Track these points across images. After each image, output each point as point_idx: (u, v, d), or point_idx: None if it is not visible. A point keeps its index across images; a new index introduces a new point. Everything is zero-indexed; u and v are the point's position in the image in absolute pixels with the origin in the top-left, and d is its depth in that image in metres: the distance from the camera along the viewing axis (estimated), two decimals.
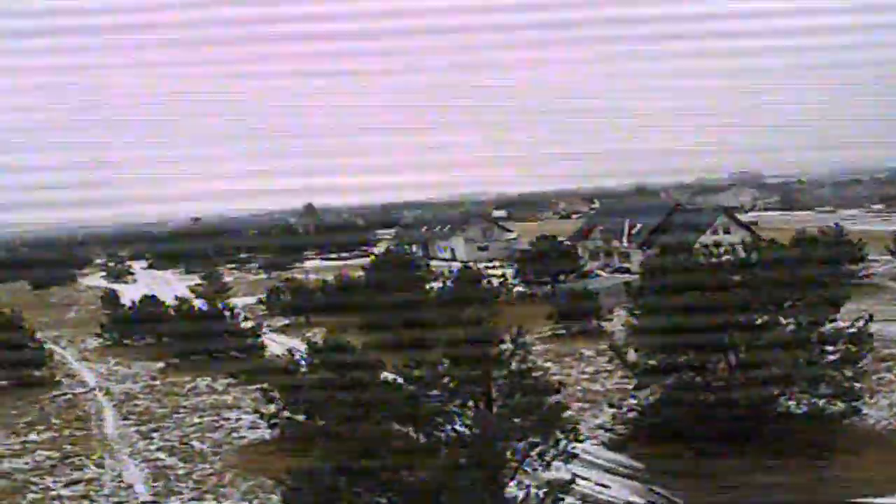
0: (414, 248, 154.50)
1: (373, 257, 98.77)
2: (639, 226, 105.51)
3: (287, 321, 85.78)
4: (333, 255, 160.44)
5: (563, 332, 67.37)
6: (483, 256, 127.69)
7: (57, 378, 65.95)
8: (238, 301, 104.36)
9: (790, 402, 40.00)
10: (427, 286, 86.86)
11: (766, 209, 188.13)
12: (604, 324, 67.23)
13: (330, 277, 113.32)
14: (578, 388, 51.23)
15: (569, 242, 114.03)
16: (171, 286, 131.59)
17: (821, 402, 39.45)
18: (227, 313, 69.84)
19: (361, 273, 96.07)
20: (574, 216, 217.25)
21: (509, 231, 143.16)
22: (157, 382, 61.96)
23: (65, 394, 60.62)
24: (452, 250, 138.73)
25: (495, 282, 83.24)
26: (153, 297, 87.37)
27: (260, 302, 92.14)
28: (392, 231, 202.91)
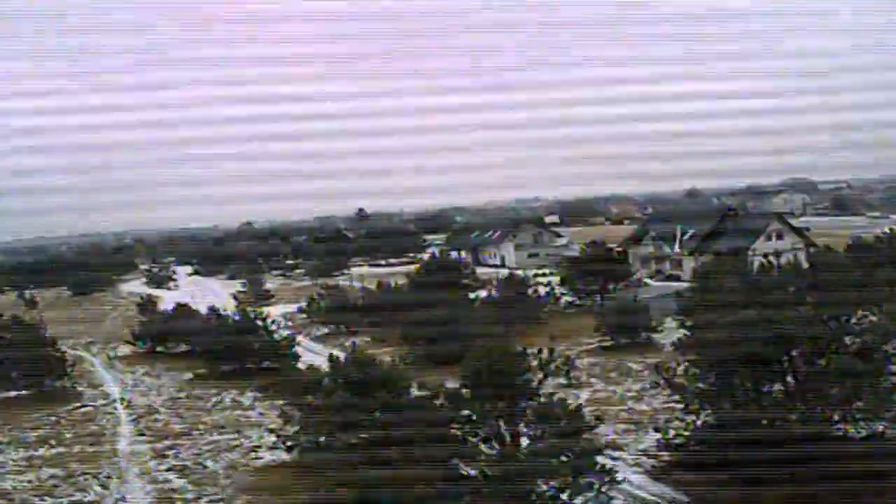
0: (463, 254, 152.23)
1: (416, 267, 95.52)
2: (691, 232, 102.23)
3: (327, 330, 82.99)
4: (382, 262, 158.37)
5: (612, 343, 63.96)
6: (533, 263, 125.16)
7: (80, 389, 63.82)
8: (280, 309, 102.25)
9: (848, 427, 36.42)
10: (472, 295, 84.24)
11: (816, 214, 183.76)
12: (654, 336, 63.94)
13: (374, 285, 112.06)
14: (624, 407, 47.81)
15: (620, 248, 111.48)
16: (214, 293, 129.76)
17: (882, 427, 35.93)
18: (259, 323, 66.85)
19: (406, 280, 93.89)
20: (626, 221, 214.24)
21: (560, 236, 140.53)
22: (182, 395, 59.32)
23: (84, 405, 58.33)
24: (502, 257, 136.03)
25: (542, 290, 79.82)
26: (186, 305, 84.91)
27: (300, 310, 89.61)
28: (442, 236, 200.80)
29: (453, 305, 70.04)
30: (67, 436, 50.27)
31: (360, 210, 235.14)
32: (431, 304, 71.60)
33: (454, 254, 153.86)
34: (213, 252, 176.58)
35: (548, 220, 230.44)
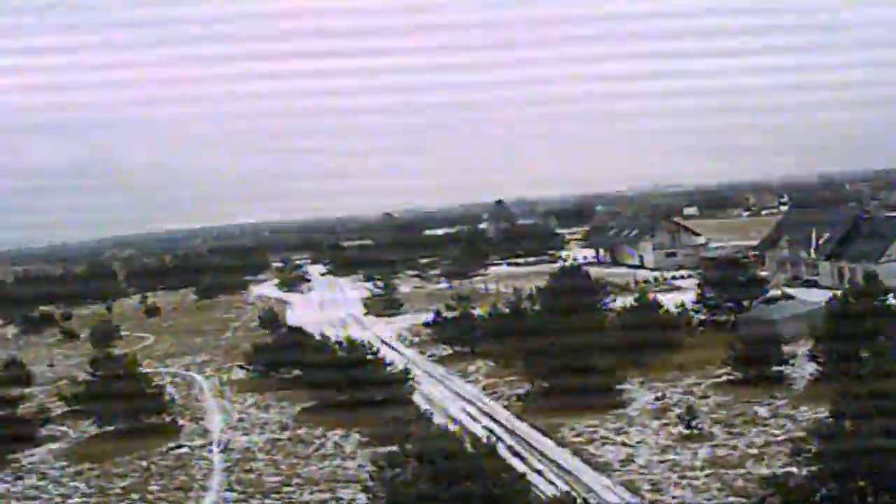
0: (601, 253, 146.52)
1: (546, 282, 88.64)
2: (826, 235, 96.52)
3: (451, 350, 77.46)
4: (520, 261, 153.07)
5: (741, 377, 56.16)
6: (671, 263, 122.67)
7: (181, 423, 59.93)
8: (406, 319, 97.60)
9: None
10: (605, 309, 78.19)
11: None
12: (787, 369, 56.40)
13: (511, 287, 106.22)
14: (742, 471, 40.46)
15: (755, 253, 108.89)
16: (345, 300, 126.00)
17: None
18: (370, 356, 61.44)
19: (539, 286, 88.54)
20: (763, 212, 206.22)
21: (697, 235, 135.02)
22: (285, 436, 54.23)
23: (180, 446, 54.01)
24: (640, 256, 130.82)
25: (674, 310, 72.68)
26: (300, 329, 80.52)
27: (426, 324, 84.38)
28: (579, 229, 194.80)
29: (581, 331, 64.23)
30: (153, 487, 45.98)
31: (499, 201, 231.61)
32: (557, 329, 65.76)
33: (592, 253, 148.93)
34: (345, 257, 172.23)
35: (686, 211, 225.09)
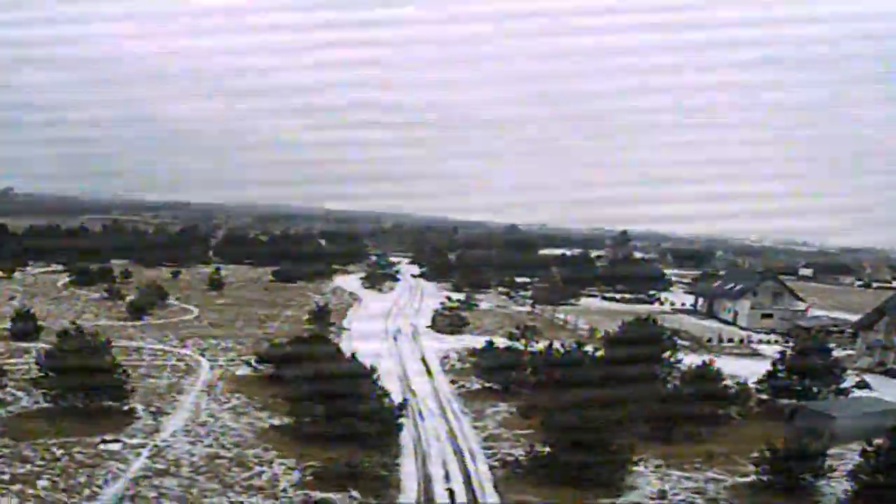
0: (700, 301, 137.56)
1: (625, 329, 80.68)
2: None
3: (481, 385, 70.26)
4: (616, 297, 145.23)
5: (770, 481, 47.23)
6: (764, 325, 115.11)
7: (138, 414, 54.59)
8: (464, 340, 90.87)
9: None
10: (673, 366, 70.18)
11: None
12: (823, 483, 47.25)
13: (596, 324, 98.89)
14: None
15: (851, 330, 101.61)
16: (421, 303, 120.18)
17: None
18: (365, 379, 54.71)
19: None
20: (874, 284, 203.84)
21: (800, 300, 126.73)
22: (229, 455, 48.06)
23: (116, 440, 48.45)
24: (735, 312, 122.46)
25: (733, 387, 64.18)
26: (322, 336, 74.63)
27: (476, 351, 77.62)
28: (692, 273, 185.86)
29: (631, 384, 56.95)
30: (40, 484, 40.47)
31: (624, 232, 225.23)
32: (608, 379, 58.38)
33: (691, 301, 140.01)
34: (443, 263, 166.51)
35: (802, 272, 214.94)
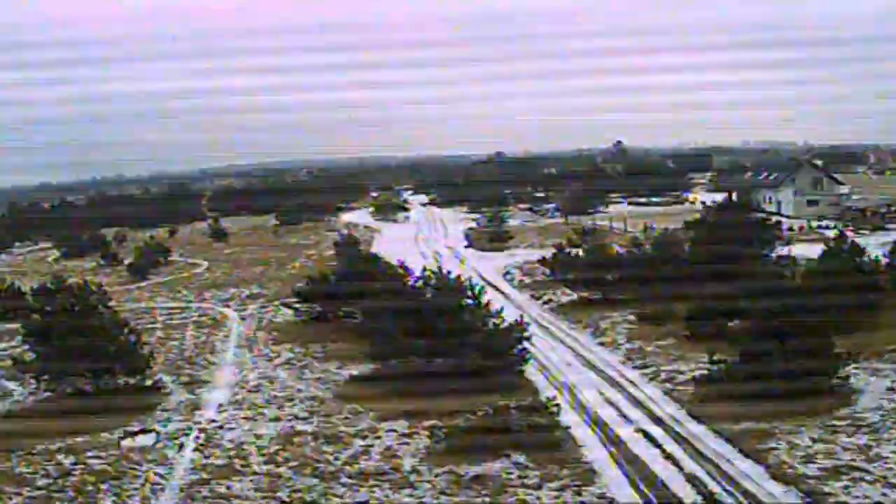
0: (735, 195, 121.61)
1: (693, 216, 65.51)
2: None
3: (574, 296, 54.74)
4: (642, 200, 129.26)
5: None
6: (811, 212, 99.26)
7: (168, 387, 38.38)
8: (515, 255, 75.75)
9: None
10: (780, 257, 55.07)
11: None
12: None
13: (643, 226, 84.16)
14: None
15: None
16: (446, 227, 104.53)
17: None
18: (469, 299, 38.25)
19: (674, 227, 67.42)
20: (887, 172, 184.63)
21: (841, 183, 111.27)
22: (310, 428, 32.07)
23: (145, 431, 32.34)
24: (778, 202, 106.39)
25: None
26: (374, 255, 57.83)
27: (542, 261, 61.97)
28: (707, 175, 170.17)
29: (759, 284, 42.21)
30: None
31: (618, 142, 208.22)
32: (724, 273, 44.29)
33: (721, 198, 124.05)
34: (450, 182, 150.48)
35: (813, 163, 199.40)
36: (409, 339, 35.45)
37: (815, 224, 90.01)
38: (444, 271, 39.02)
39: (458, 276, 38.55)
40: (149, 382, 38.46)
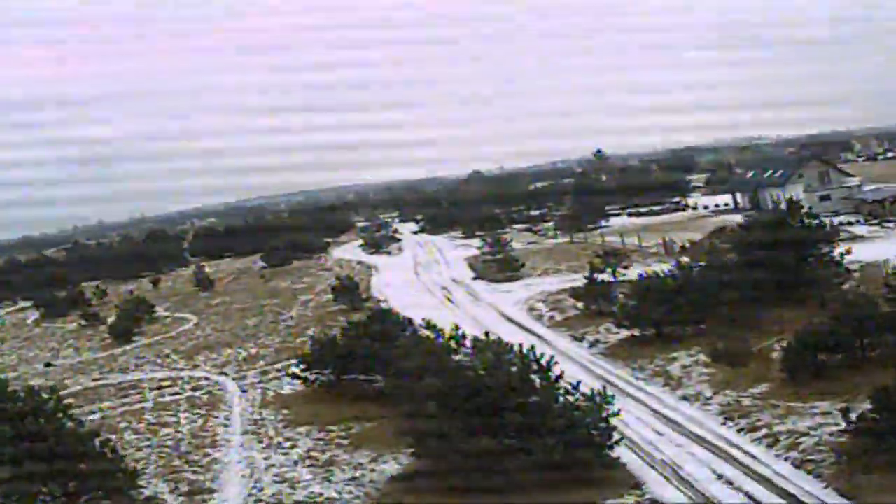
0: (738, 196, 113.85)
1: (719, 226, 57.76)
2: None
3: (620, 334, 46.52)
4: (642, 209, 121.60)
5: None
6: (825, 208, 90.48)
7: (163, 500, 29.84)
8: (531, 285, 67.74)
9: None
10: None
11: None
12: None
13: (663, 240, 76.11)
14: None
15: None
16: (444, 256, 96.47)
17: None
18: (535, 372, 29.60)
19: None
20: (878, 157, 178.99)
21: (850, 175, 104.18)
22: None
23: None
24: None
25: None
26: (386, 311, 48.90)
27: (575, 293, 54.10)
28: (702, 176, 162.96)
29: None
30: None
31: (599, 151, 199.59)
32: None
33: (725, 200, 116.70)
34: (439, 208, 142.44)
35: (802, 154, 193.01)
36: (464, 433, 27.02)
37: (835, 221, 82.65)
38: (498, 340, 30.53)
39: (520, 347, 29.75)
40: (144, 496, 29.88)
